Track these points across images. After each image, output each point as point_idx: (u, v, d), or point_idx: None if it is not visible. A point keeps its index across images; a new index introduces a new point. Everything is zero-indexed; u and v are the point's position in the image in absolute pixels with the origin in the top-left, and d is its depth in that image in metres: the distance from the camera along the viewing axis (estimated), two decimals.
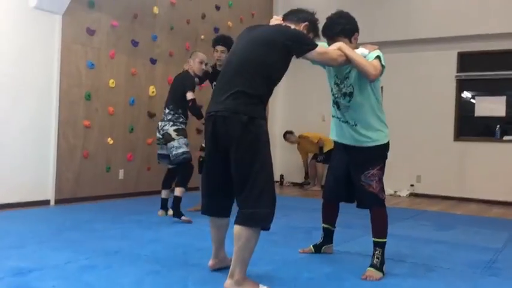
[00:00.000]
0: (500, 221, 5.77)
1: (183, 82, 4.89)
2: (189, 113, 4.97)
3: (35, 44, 5.36)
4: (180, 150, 4.79)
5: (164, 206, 5.11)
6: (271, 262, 3.27)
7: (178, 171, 5.01)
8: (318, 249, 3.61)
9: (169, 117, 4.87)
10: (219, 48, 5.14)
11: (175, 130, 4.82)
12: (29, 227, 4.23)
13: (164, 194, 5.10)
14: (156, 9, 6.73)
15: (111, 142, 6.19)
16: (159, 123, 4.97)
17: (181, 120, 4.89)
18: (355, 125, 3.16)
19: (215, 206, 2.85)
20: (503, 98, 7.58)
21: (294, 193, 7.88)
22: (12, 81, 5.17)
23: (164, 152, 4.97)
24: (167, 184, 5.11)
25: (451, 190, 7.67)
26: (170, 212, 4.90)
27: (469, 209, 6.73)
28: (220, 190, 2.79)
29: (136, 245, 3.69)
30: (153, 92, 6.74)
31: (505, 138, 7.45)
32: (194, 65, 5.01)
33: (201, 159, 5.36)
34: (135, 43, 6.46)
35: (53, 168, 5.54)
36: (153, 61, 6.75)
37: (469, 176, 7.60)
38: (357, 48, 3.09)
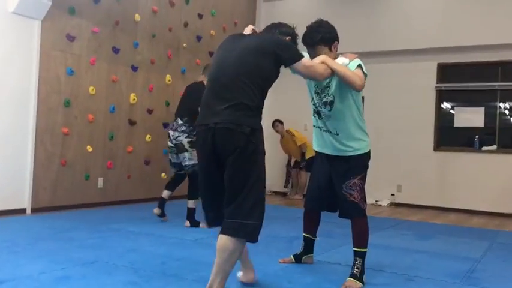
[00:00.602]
0: (480, 230, 5.82)
1: (198, 95, 4.89)
2: None
3: (13, 50, 5.26)
4: (192, 162, 4.93)
5: (161, 205, 5.18)
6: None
7: (183, 178, 5.23)
8: (298, 259, 3.59)
9: (184, 128, 4.99)
10: None
11: (189, 142, 4.96)
12: (2, 236, 4.13)
13: (165, 194, 5.21)
14: (137, 17, 6.69)
15: (91, 150, 6.09)
16: (171, 133, 5.07)
17: (195, 133, 4.88)
18: (337, 134, 3.15)
19: (221, 216, 2.68)
20: (482, 109, 7.69)
21: (276, 202, 7.86)
22: None
23: (175, 160, 5.12)
24: (171, 186, 5.25)
25: (431, 200, 7.73)
26: (187, 223, 5.01)
27: (449, 218, 6.78)
28: (221, 200, 2.66)
29: (114, 255, 3.62)
30: (134, 99, 6.67)
31: (484, 148, 7.55)
32: None
33: None
34: (116, 50, 6.40)
35: (29, 176, 5.43)
36: (134, 68, 6.69)
37: (449, 186, 7.67)
38: (336, 57, 3.10)
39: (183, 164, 5.02)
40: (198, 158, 2.77)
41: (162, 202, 5.19)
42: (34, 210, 5.45)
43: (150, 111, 6.94)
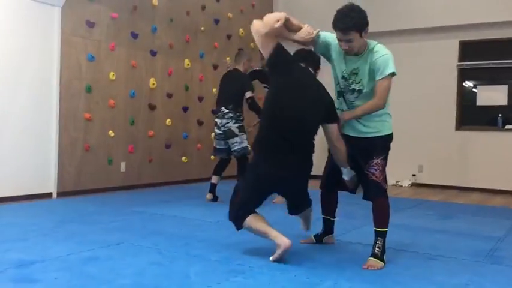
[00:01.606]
0: (502, 210, 5.77)
1: (243, 84, 5.30)
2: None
3: (34, 37, 5.34)
4: (243, 145, 5.24)
5: (213, 190, 5.52)
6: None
7: (228, 163, 5.57)
8: (319, 239, 3.62)
9: (231, 115, 5.27)
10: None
11: (237, 127, 5.25)
12: (31, 219, 4.24)
13: (214, 179, 5.56)
14: (155, 1, 6.69)
15: (112, 135, 6.18)
16: (218, 121, 5.36)
17: (241, 118, 5.31)
18: (359, 118, 3.15)
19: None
20: (505, 87, 7.54)
21: None
22: (12, 75, 5.16)
23: (222, 146, 5.40)
24: (219, 171, 5.58)
25: (453, 180, 7.66)
26: None
27: (471, 198, 6.73)
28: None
29: (138, 236, 3.70)
30: (153, 84, 6.73)
31: (507, 127, 7.43)
32: (246, 64, 5.44)
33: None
34: (134, 35, 6.44)
35: (54, 161, 5.54)
36: (153, 53, 6.73)
37: (471, 166, 7.59)
38: (365, 42, 3.07)
39: (233, 148, 5.28)
40: (257, 187, 3.21)
41: (212, 187, 5.52)
42: (60, 194, 5.58)
43: (169, 96, 6.99)
